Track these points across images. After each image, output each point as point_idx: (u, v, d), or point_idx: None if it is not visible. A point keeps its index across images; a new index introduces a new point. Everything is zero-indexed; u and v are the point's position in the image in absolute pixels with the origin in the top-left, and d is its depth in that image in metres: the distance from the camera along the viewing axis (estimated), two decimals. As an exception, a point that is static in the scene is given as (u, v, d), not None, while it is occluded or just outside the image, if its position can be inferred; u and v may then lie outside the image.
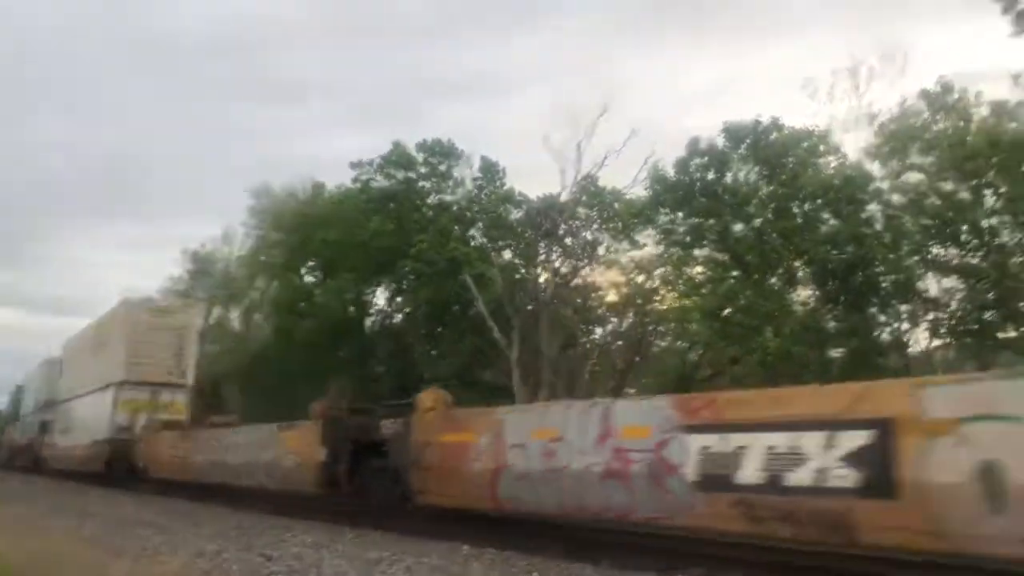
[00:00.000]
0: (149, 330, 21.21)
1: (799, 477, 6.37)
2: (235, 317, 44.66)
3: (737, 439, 7.01)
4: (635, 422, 8.09)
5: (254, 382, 39.27)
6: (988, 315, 15.98)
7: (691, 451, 7.49)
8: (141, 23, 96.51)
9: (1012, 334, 16.26)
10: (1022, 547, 5.12)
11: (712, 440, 7.32)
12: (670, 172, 18.85)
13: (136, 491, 21.63)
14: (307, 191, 37.61)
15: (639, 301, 27.61)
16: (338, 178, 41.66)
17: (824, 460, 6.22)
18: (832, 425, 6.25)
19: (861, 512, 5.98)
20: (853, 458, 6.04)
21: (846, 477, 6.03)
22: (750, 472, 6.76)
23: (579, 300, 28.22)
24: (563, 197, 25.34)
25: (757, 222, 18.35)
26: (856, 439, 6.07)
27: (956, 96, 17.25)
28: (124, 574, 10.50)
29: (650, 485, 7.92)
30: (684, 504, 7.55)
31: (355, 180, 30.18)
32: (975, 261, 16.37)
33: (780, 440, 6.65)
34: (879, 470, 5.86)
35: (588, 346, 28.80)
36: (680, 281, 22.41)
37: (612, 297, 28.75)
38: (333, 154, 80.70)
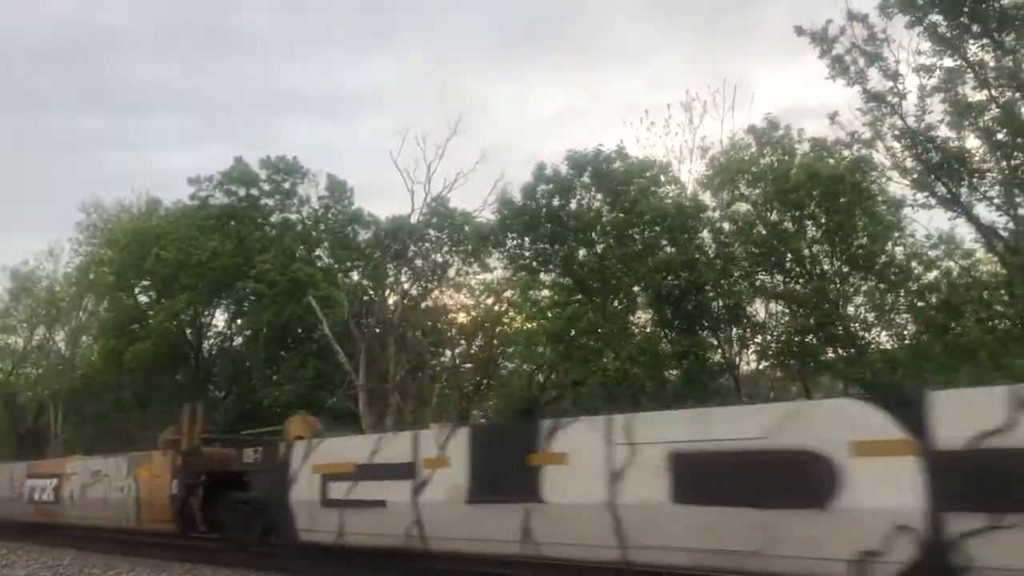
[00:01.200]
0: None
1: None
2: (60, 339, 41.79)
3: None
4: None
5: (82, 408, 36.82)
6: (809, 338, 16.95)
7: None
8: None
9: (831, 356, 17.30)
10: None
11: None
12: (517, 197, 19.10)
13: None
14: (142, 207, 35.79)
15: (487, 324, 27.72)
16: (178, 194, 39.94)
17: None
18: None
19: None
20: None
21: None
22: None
23: (428, 323, 28.02)
24: (413, 219, 25.14)
25: (599, 248, 18.82)
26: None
27: (781, 132, 18.31)
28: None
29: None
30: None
31: (193, 196, 28.90)
32: (798, 287, 17.36)
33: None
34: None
35: (437, 368, 28.61)
36: (527, 305, 22.66)
37: (462, 319, 28.75)
38: (176, 170, 77.13)
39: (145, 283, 31.18)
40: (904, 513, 5.28)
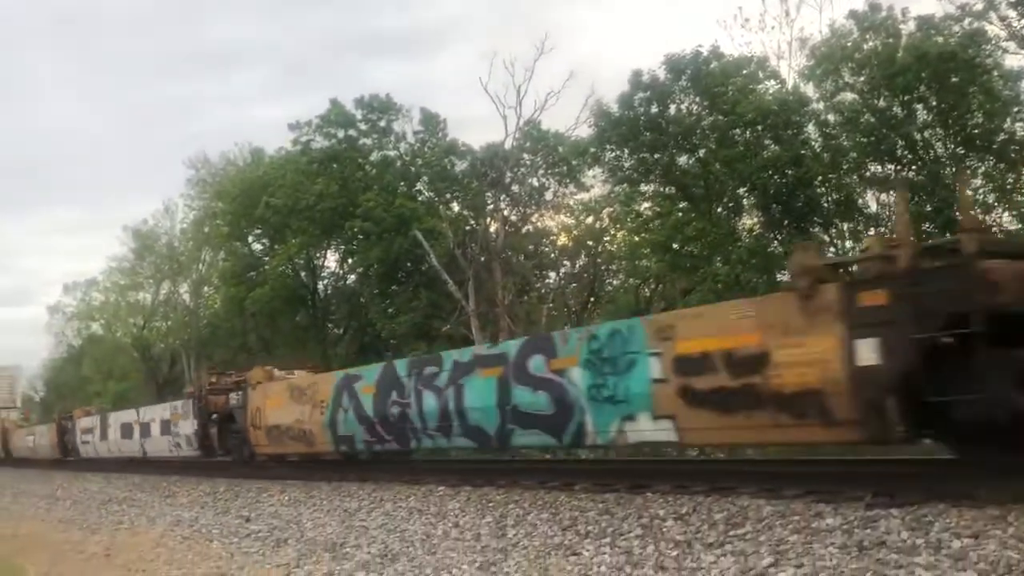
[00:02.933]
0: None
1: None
2: (184, 291, 44.02)
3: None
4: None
5: (211, 355, 38.89)
6: (926, 226, 16.44)
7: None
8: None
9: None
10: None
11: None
12: (614, 108, 18.94)
13: (103, 470, 21.42)
14: (247, 158, 36.96)
15: (589, 242, 27.84)
16: (276, 144, 41.04)
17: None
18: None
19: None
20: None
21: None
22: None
23: (531, 247, 28.33)
24: (507, 145, 25.27)
25: (701, 153, 18.55)
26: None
27: (884, 14, 17.52)
28: (103, 549, 10.56)
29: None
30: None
31: (295, 143, 29.69)
32: (911, 175, 16.79)
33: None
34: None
35: (543, 291, 29.01)
36: (629, 218, 22.59)
37: (563, 240, 28.94)
38: (273, 121, 79.24)
39: (257, 231, 32.34)
40: None
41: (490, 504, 8.68)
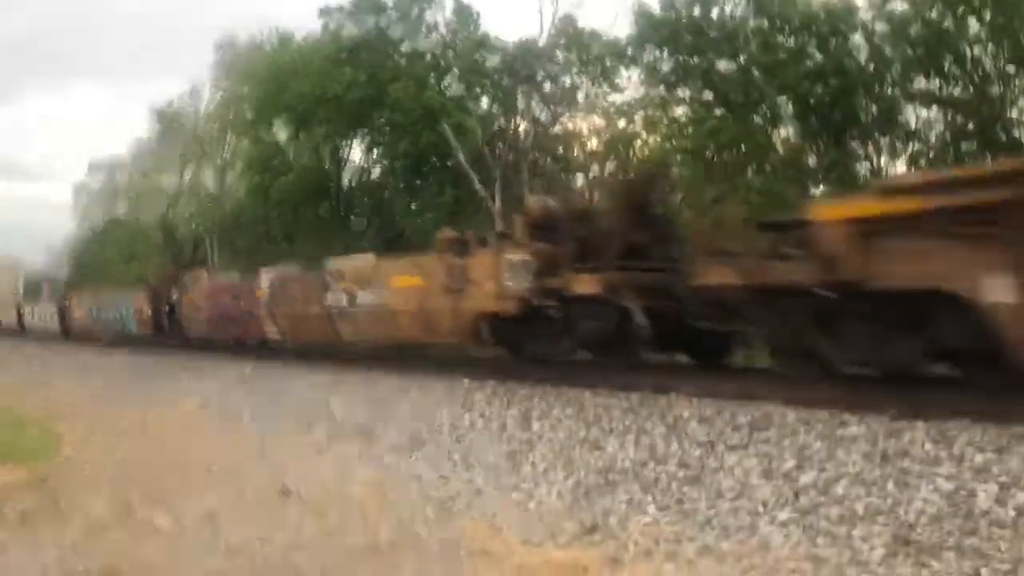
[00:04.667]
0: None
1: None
2: (209, 176, 44.06)
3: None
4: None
5: (234, 242, 39.22)
6: (966, 145, 16.12)
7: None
8: None
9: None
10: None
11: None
12: (656, 8, 18.47)
13: (131, 346, 21.87)
14: (274, 43, 36.38)
15: (620, 146, 27.50)
16: (306, 29, 40.25)
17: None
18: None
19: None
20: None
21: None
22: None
23: (560, 148, 28.02)
24: (541, 41, 24.72)
25: (742, 59, 18.11)
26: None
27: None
28: (137, 422, 10.92)
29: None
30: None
31: (325, 28, 29.14)
32: (957, 92, 16.37)
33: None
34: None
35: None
36: (663, 123, 22.24)
37: (594, 143, 28.59)
38: (303, 7, 77.32)
39: (283, 118, 32.09)
40: None
41: (515, 398, 8.85)
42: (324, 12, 28.82)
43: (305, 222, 34.26)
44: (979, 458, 5.26)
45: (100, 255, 56.76)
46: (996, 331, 5.77)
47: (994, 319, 5.80)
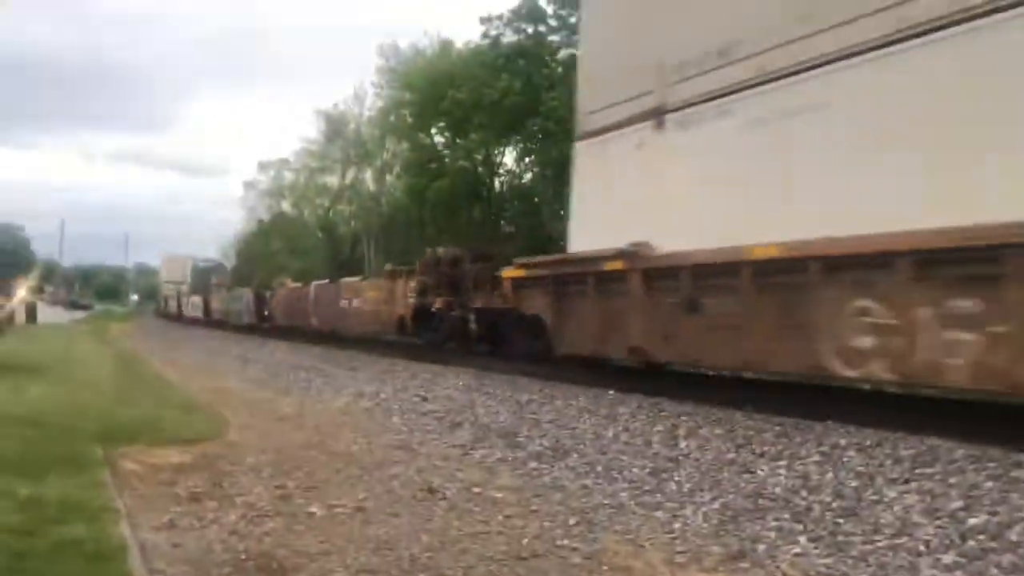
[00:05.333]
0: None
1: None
2: (368, 177, 45.88)
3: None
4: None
5: (390, 242, 40.69)
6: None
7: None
8: None
9: None
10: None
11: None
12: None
13: (289, 338, 23.09)
14: (435, 49, 37.50)
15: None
16: (466, 37, 41.16)
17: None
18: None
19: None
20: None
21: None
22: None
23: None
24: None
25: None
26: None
27: None
28: (295, 411, 11.47)
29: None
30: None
31: (484, 36, 29.82)
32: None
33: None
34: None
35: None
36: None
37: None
38: (466, 12, 79.34)
39: (441, 123, 33.02)
40: None
41: (662, 414, 8.75)
42: (484, 20, 29.56)
43: (458, 224, 35.18)
44: None
45: (265, 248, 60.23)
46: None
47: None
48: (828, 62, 7.72)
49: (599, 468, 7.23)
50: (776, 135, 8.26)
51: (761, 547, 5.23)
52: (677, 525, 5.73)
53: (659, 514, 5.98)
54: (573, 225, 11.74)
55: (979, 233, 6.47)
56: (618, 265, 10.26)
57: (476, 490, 6.67)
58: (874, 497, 5.75)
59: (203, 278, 58.17)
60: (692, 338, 9.26)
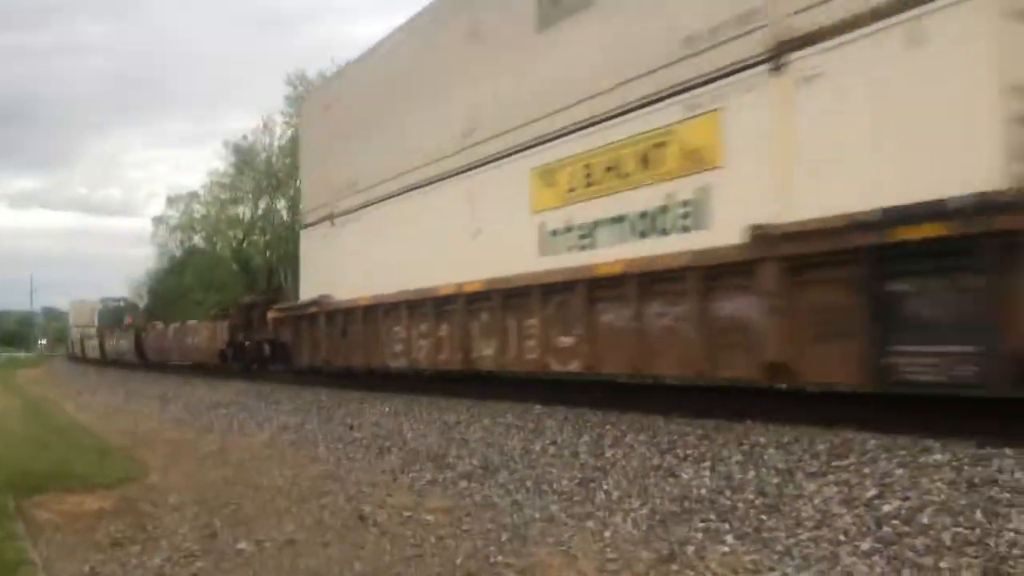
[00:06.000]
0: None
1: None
2: (282, 207, 45.27)
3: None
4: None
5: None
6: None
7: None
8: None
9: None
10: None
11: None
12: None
13: (210, 376, 22.58)
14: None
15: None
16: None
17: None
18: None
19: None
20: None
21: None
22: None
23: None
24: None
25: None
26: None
27: None
28: (217, 447, 11.21)
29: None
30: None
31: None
32: None
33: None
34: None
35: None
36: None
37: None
38: (368, 39, 79.20)
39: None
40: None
41: (587, 424, 8.85)
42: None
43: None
44: (1074, 486, 5.08)
45: (178, 285, 58.73)
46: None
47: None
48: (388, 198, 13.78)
49: (529, 483, 7.28)
50: (379, 234, 14.05)
51: (690, 549, 5.35)
52: (607, 533, 5.81)
53: (590, 524, 6.06)
54: (301, 283, 17.56)
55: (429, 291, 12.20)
56: (315, 309, 15.86)
57: (407, 514, 6.65)
58: (795, 491, 5.94)
59: (114, 319, 56.43)
60: (343, 350, 14.93)
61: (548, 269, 9.72)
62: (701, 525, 5.72)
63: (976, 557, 4.56)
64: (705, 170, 7.87)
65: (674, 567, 5.09)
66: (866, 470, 6.00)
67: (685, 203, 8.07)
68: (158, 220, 60.70)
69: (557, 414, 9.53)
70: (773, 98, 7.23)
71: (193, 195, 54.85)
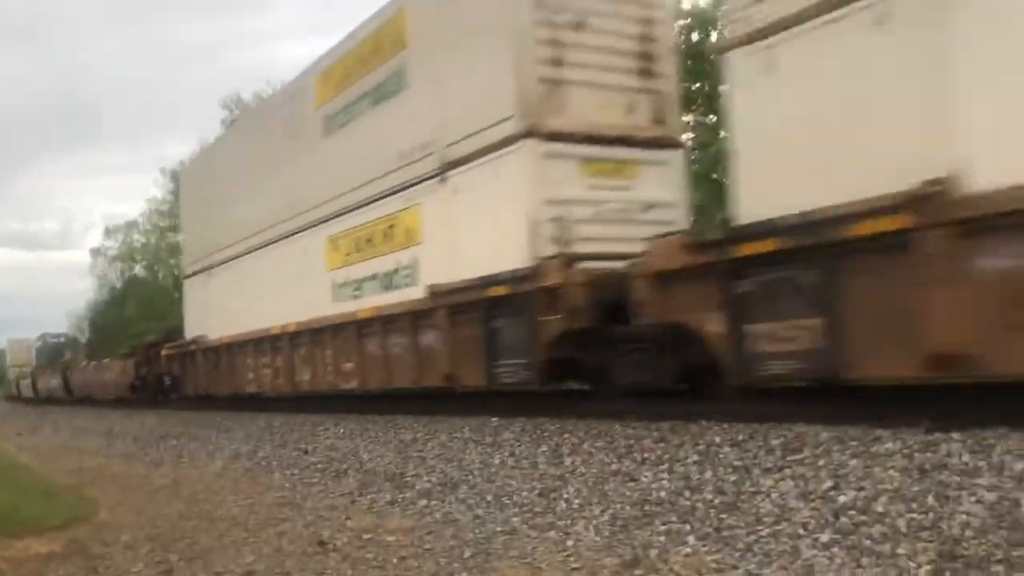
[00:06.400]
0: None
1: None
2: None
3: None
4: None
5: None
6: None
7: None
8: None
9: None
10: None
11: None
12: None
13: (158, 408, 22.15)
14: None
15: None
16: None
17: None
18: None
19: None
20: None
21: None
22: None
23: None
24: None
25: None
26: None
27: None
28: (169, 480, 10.95)
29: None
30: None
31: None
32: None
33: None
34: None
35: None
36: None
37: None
38: (300, 60, 78.67)
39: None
40: None
41: (545, 434, 8.85)
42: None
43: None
44: (1019, 465, 5.21)
45: (120, 316, 57.43)
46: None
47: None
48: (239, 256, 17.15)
49: (489, 497, 7.25)
50: (235, 285, 17.37)
51: (653, 552, 5.37)
52: (570, 542, 5.80)
53: (552, 534, 6.05)
54: (185, 324, 20.72)
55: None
56: (194, 347, 19.27)
57: (367, 536, 6.56)
58: (752, 488, 6.00)
59: (53, 355, 54.92)
60: (216, 380, 18.25)
61: (336, 313, 13.13)
62: (662, 527, 5.75)
63: (931, 541, 4.65)
64: (414, 245, 11.42)
65: (638, 572, 5.10)
66: (821, 463, 6.09)
67: (406, 267, 11.61)
68: (96, 252, 59.35)
69: (514, 425, 9.51)
70: (443, 199, 10.75)
71: (132, 224, 53.77)
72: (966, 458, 5.48)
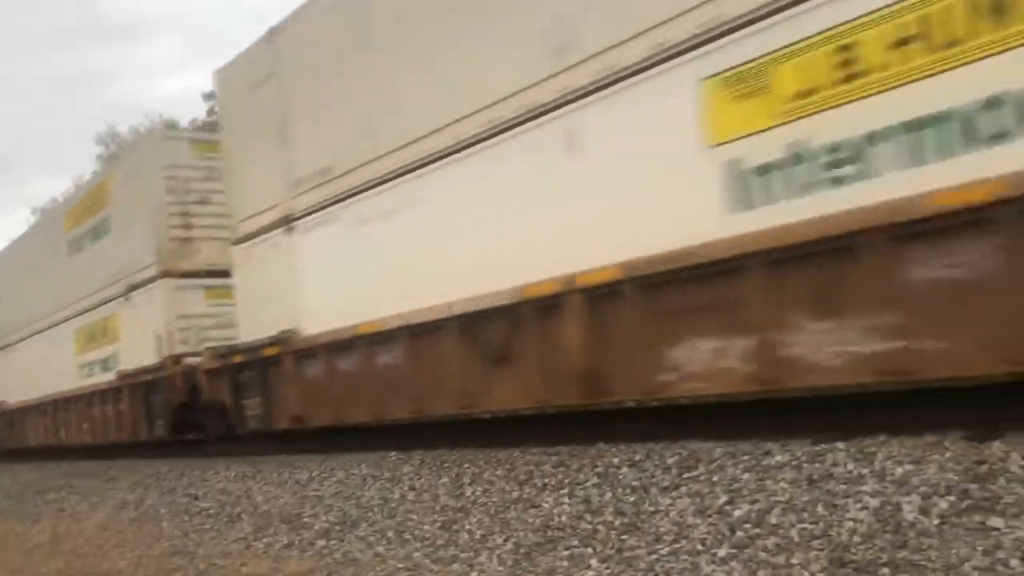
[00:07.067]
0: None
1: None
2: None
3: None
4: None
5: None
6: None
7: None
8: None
9: None
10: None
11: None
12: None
13: (32, 460, 20.86)
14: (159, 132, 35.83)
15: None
16: (190, 115, 39.62)
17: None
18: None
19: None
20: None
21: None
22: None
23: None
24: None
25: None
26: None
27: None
28: (48, 536, 10.32)
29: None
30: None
31: (211, 112, 28.91)
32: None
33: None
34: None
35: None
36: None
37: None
38: (181, 93, 76.55)
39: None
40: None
41: (444, 465, 8.76)
42: (208, 96, 28.75)
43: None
44: (899, 471, 5.44)
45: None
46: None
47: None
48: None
49: (390, 533, 7.11)
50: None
51: (557, 578, 5.36)
52: (474, 574, 5.74)
53: (455, 567, 5.97)
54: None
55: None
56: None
57: (264, 582, 6.33)
58: (651, 508, 6.07)
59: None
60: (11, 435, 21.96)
61: (79, 386, 17.77)
62: (565, 552, 5.75)
63: (822, 549, 4.81)
64: (117, 342, 16.17)
65: (541, 599, 5.07)
66: (715, 478, 6.22)
67: (113, 356, 16.62)
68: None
69: (413, 459, 9.38)
70: (128, 312, 15.41)
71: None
72: (851, 466, 5.69)
